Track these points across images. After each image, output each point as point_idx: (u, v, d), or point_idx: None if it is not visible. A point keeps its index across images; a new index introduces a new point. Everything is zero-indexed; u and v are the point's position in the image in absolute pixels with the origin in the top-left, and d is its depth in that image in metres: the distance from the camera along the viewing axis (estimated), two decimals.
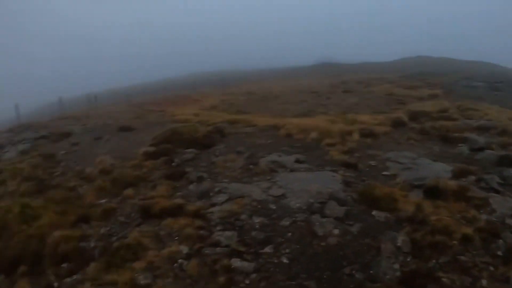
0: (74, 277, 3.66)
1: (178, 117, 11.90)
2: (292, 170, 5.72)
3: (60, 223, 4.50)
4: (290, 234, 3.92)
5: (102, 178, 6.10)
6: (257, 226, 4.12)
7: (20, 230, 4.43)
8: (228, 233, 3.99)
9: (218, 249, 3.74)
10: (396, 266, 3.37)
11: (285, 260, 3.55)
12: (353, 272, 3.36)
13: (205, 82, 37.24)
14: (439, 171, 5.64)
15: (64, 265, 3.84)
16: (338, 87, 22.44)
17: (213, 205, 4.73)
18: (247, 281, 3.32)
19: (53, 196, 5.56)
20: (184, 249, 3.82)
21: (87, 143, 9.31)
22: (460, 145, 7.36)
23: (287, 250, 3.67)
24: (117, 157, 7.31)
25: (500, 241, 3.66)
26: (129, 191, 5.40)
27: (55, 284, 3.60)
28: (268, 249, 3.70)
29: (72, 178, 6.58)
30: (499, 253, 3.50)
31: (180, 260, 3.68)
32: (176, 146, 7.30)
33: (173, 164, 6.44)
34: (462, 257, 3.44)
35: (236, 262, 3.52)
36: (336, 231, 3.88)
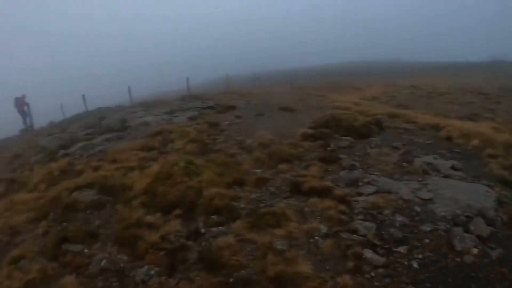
0: (221, 228, 5.23)
1: (338, 103, 13.97)
2: (445, 176, 6.48)
3: (217, 182, 6.38)
4: (427, 240, 4.59)
5: (260, 150, 7.96)
6: (397, 224, 4.93)
7: (182, 181, 6.55)
8: (367, 223, 4.92)
9: (354, 236, 4.69)
10: None
11: (415, 265, 4.21)
12: None
13: (367, 72, 37.59)
14: None
15: (214, 216, 5.54)
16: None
17: (360, 194, 5.76)
18: (372, 273, 4.12)
19: (214, 158, 7.68)
20: (323, 228, 4.89)
21: (249, 118, 11.83)
22: None
23: (420, 256, 4.34)
24: (276, 134, 9.19)
25: None
26: (283, 166, 6.94)
27: (202, 230, 5.25)
28: (402, 249, 4.44)
29: (233, 146, 8.72)
30: None
31: (316, 237, 4.73)
32: (334, 132, 8.83)
33: (328, 148, 7.91)
34: None
35: (368, 253, 4.38)
36: (474, 251, 4.37)
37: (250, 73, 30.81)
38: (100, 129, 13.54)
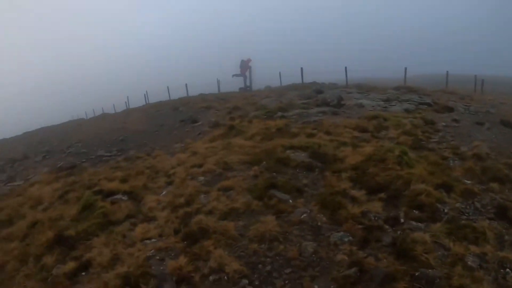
0: (420, 224, 5.16)
1: None
2: None
3: (427, 179, 6.28)
4: None
5: (473, 161, 7.44)
6: None
7: (393, 168, 6.74)
8: None
9: None
10: None
11: None
12: None
13: None
14: None
15: (416, 211, 5.51)
16: None
17: None
18: None
19: (426, 156, 7.60)
20: None
21: (467, 124, 11.03)
22: None
23: None
24: (492, 148, 8.51)
25: None
26: (494, 185, 6.32)
27: (402, 220, 5.26)
28: None
29: (446, 149, 8.36)
30: None
31: (508, 270, 4.22)
32: None
33: None
34: None
35: None
36: None
37: (472, 74, 27.60)
38: (316, 101, 14.50)
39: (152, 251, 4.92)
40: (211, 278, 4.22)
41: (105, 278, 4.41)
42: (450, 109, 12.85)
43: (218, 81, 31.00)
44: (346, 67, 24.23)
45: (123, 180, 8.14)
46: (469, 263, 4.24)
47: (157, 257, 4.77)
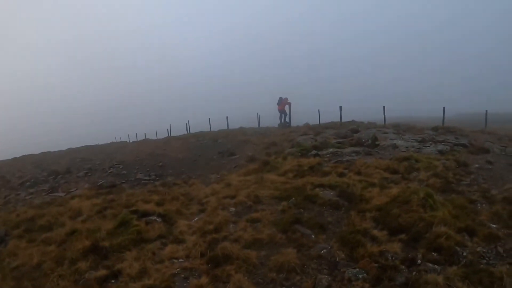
0: (436, 266, 5.24)
1: None
2: None
3: (449, 222, 6.32)
4: None
5: (502, 205, 7.37)
6: None
7: (417, 210, 6.77)
8: None
9: None
10: None
11: None
12: None
13: None
14: None
15: (434, 253, 5.59)
16: None
17: None
18: None
19: (453, 199, 7.67)
20: None
21: (502, 166, 10.88)
22: None
23: None
24: None
25: None
26: None
27: (419, 261, 5.36)
28: None
29: (476, 192, 8.33)
30: None
31: None
32: None
33: None
34: None
35: None
36: None
37: None
38: (351, 141, 14.82)
39: (178, 269, 5.41)
40: None
41: (132, 287, 4.94)
42: (486, 151, 12.68)
43: (258, 116, 32.10)
44: (384, 107, 24.38)
45: (159, 204, 8.80)
46: None
47: (182, 275, 5.26)
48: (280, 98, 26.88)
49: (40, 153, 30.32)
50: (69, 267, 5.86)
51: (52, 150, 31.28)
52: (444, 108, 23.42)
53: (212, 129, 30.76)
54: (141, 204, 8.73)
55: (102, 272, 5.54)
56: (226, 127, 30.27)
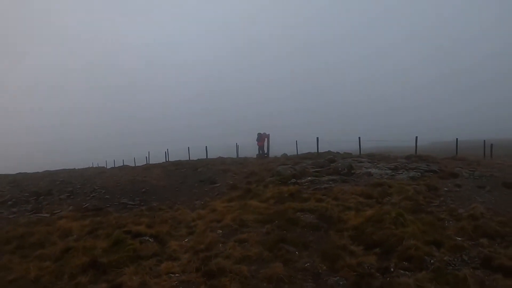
0: (407, 272, 5.98)
1: None
2: None
3: (418, 237, 7.14)
4: None
5: (467, 221, 8.25)
6: None
7: (389, 228, 7.67)
8: None
9: None
10: None
11: None
12: None
13: None
14: None
15: (405, 262, 6.35)
16: None
17: None
18: None
19: (422, 218, 8.50)
20: None
21: (469, 188, 11.91)
22: None
23: None
24: (489, 209, 9.26)
25: None
26: (484, 241, 7.13)
27: (392, 269, 6.10)
28: None
29: (444, 212, 9.29)
30: None
31: None
32: None
33: None
34: None
35: None
36: None
37: (479, 140, 28.70)
38: (328, 170, 15.68)
39: (176, 282, 5.99)
40: None
41: None
42: (455, 175, 13.69)
43: (237, 146, 33.04)
44: (359, 137, 25.57)
45: (149, 226, 9.36)
46: None
47: (180, 287, 5.85)
48: (259, 134, 27.81)
49: (16, 173, 29.94)
50: (69, 281, 6.40)
51: (28, 172, 31.02)
52: (416, 137, 24.82)
53: (191, 158, 31.17)
54: (132, 225, 9.26)
55: (103, 286, 6.11)
56: (205, 157, 30.67)
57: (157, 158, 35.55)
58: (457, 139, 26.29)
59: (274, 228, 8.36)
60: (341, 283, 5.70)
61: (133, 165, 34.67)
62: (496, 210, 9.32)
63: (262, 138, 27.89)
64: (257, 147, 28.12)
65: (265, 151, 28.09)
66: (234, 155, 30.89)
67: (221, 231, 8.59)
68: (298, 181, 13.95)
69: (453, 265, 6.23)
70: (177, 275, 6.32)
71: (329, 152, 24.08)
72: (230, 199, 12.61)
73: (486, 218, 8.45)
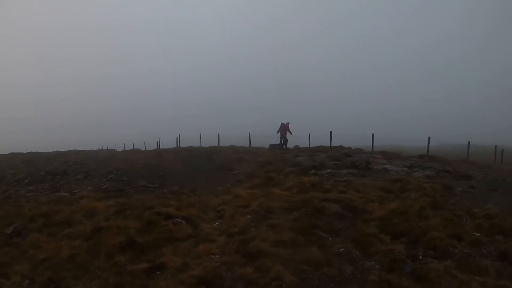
0: (434, 260, 6.72)
1: None
2: None
3: (441, 229, 7.86)
4: None
5: (483, 219, 9.00)
6: None
7: (414, 220, 8.42)
8: None
9: None
10: None
11: None
12: None
13: None
14: None
15: (431, 251, 7.12)
16: None
17: None
18: None
19: (442, 213, 9.23)
20: None
21: (482, 190, 12.62)
22: None
23: None
24: (503, 210, 9.91)
25: None
26: (499, 237, 7.79)
27: (420, 256, 6.86)
28: None
29: (460, 209, 9.96)
30: None
31: None
32: None
33: None
34: None
35: None
36: None
37: (494, 145, 29.51)
38: (345, 163, 16.46)
39: (218, 263, 6.41)
40: (273, 283, 5.78)
41: (180, 277, 5.82)
42: (469, 177, 14.54)
43: (250, 135, 33.73)
44: (373, 134, 26.28)
45: (177, 208, 9.63)
46: (473, 285, 5.71)
47: (224, 268, 6.26)
48: (282, 124, 27.42)
49: (28, 152, 30.54)
50: (107, 261, 6.52)
51: (40, 151, 31.53)
52: (429, 138, 25.62)
53: (202, 145, 32.03)
54: (161, 207, 9.62)
55: (144, 265, 6.27)
56: (217, 144, 31.59)
57: (167, 145, 36.22)
58: (469, 142, 27.15)
59: (301, 215, 8.94)
60: (376, 267, 6.36)
61: (144, 149, 35.51)
62: (510, 211, 9.94)
63: (284, 128, 27.45)
64: (278, 137, 27.67)
65: (284, 146, 27.60)
66: (245, 144, 31.58)
67: (249, 216, 9.01)
68: (318, 172, 14.73)
69: (473, 257, 6.91)
70: (217, 256, 6.75)
71: (341, 147, 24.75)
72: (252, 186, 13.25)
73: (501, 218, 9.14)
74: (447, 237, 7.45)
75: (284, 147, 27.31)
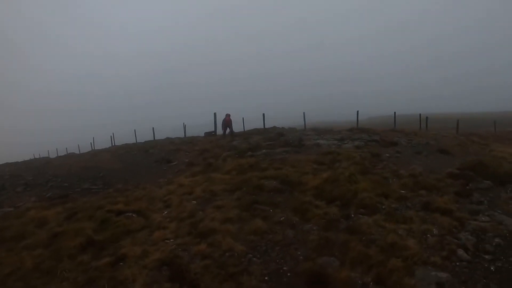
0: (365, 216, 7.68)
1: (495, 153, 14.85)
2: None
3: (369, 190, 8.90)
4: None
5: (408, 178, 10.17)
6: (493, 243, 6.38)
7: (344, 185, 9.39)
8: (470, 237, 6.60)
9: (455, 241, 6.46)
10: None
11: (492, 268, 5.75)
12: None
13: None
14: None
15: (362, 209, 8.07)
16: None
17: (475, 220, 7.33)
18: (457, 263, 5.84)
19: (370, 177, 10.30)
20: (435, 231, 6.82)
21: (408, 154, 14.05)
22: None
23: (499, 264, 5.83)
24: (426, 170, 11.25)
25: None
26: (422, 192, 9.01)
27: (352, 215, 7.80)
28: (487, 257, 6.02)
29: (387, 172, 11.16)
30: None
31: (428, 235, 6.70)
32: (477, 175, 10.13)
33: (467, 187, 9.47)
34: None
35: (460, 251, 6.10)
36: None
37: (418, 114, 31.95)
38: (279, 142, 17.32)
39: (174, 246, 6.92)
40: (226, 254, 6.36)
41: (143, 263, 6.28)
42: (395, 144, 16.03)
43: (185, 125, 34.01)
44: (304, 113, 27.55)
45: (126, 204, 9.93)
46: (399, 232, 6.66)
47: (180, 249, 6.78)
48: (224, 120, 27.70)
49: None
50: (71, 262, 6.77)
51: None
52: (357, 111, 27.38)
53: (138, 141, 31.75)
54: (110, 205, 9.87)
55: (107, 259, 6.60)
56: (153, 138, 31.49)
57: (102, 144, 35.50)
58: (395, 112, 29.26)
59: (243, 194, 9.55)
60: (314, 228, 7.18)
61: (78, 152, 34.37)
62: (432, 170, 11.28)
63: (227, 121, 27.75)
64: (222, 128, 27.89)
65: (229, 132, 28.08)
66: (180, 135, 31.79)
67: (195, 202, 9.56)
68: (254, 154, 15.39)
69: (400, 210, 7.93)
70: (171, 240, 7.24)
71: (275, 128, 25.78)
72: (193, 174, 13.66)
73: (424, 176, 10.36)
74: (375, 196, 8.43)
75: (213, 132, 28.04)
